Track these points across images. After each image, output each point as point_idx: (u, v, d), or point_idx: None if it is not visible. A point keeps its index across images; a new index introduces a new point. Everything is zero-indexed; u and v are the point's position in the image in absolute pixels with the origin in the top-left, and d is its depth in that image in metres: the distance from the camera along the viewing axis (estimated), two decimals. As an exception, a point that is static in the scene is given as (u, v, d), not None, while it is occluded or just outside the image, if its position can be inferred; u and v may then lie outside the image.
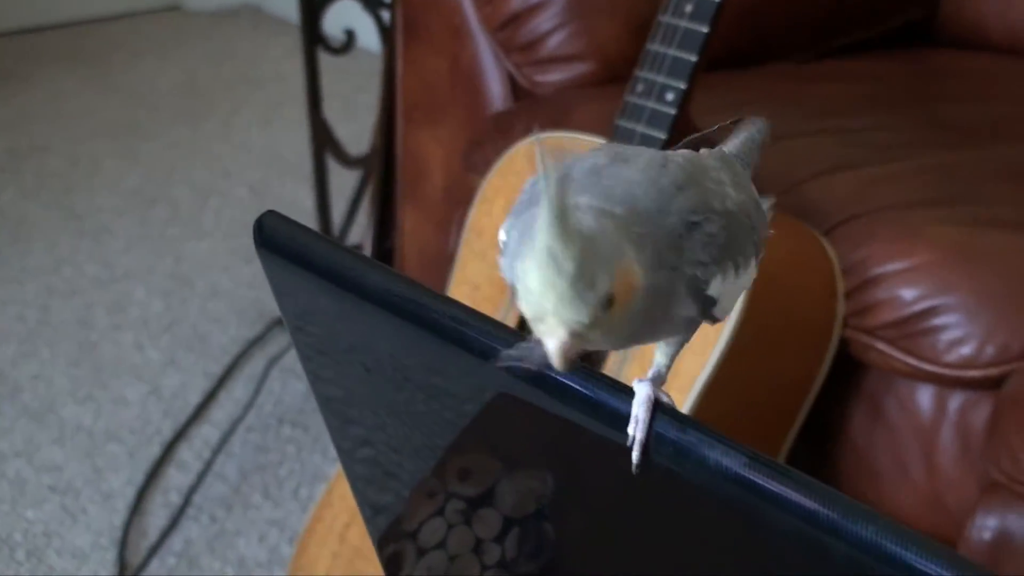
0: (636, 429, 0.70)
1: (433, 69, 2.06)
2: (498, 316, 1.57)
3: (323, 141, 2.46)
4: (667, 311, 0.70)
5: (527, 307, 0.66)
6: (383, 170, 2.23)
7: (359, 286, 0.79)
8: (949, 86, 2.06)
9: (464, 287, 1.65)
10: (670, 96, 1.54)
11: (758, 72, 2.05)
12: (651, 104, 1.55)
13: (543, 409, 0.74)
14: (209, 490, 2.15)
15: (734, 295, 0.74)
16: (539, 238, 0.64)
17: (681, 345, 0.77)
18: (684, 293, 0.70)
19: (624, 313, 0.66)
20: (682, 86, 1.54)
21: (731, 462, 0.66)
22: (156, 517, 2.09)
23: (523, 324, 1.65)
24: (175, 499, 2.13)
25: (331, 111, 2.49)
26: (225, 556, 2.03)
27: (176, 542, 2.05)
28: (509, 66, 2.00)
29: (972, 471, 1.53)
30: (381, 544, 0.95)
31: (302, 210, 2.60)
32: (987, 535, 1.49)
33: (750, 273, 0.76)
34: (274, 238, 0.83)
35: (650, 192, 0.70)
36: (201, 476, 2.17)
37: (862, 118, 1.89)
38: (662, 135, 1.53)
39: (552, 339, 0.65)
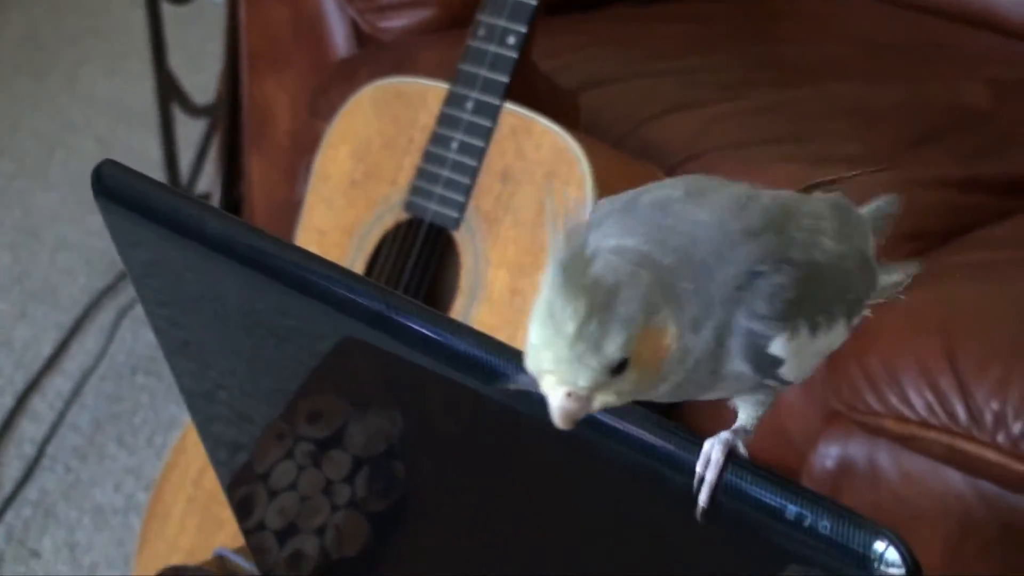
0: (708, 470, 0.62)
1: (276, 17, 2.04)
2: (345, 262, 1.57)
3: (168, 91, 2.43)
4: (716, 370, 0.64)
5: (527, 360, 0.61)
6: (229, 119, 2.21)
7: (200, 234, 0.78)
8: (785, 27, 2.08)
9: (311, 233, 1.64)
10: (511, 40, 1.54)
11: (599, 14, 2.05)
12: (493, 48, 1.54)
13: (392, 353, 0.73)
14: (63, 440, 2.13)
15: (809, 357, 0.67)
16: (543, 289, 0.59)
17: (763, 405, 0.69)
18: (737, 351, 0.64)
19: (651, 375, 0.61)
20: (523, 29, 1.54)
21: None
22: (11, 468, 2.07)
23: (371, 270, 1.65)
24: (29, 450, 2.10)
25: (177, 61, 2.46)
26: (81, 505, 2.01)
27: (31, 492, 2.03)
28: (352, 12, 1.98)
29: (813, 402, 1.55)
30: (231, 488, 0.95)
31: (150, 160, 2.56)
32: (829, 463, 1.51)
33: (835, 334, 0.68)
34: (112, 187, 0.82)
35: (716, 236, 0.64)
36: (55, 427, 2.14)
37: (701, 58, 1.90)
38: (504, 79, 1.53)
39: (552, 397, 0.60)
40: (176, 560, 1.35)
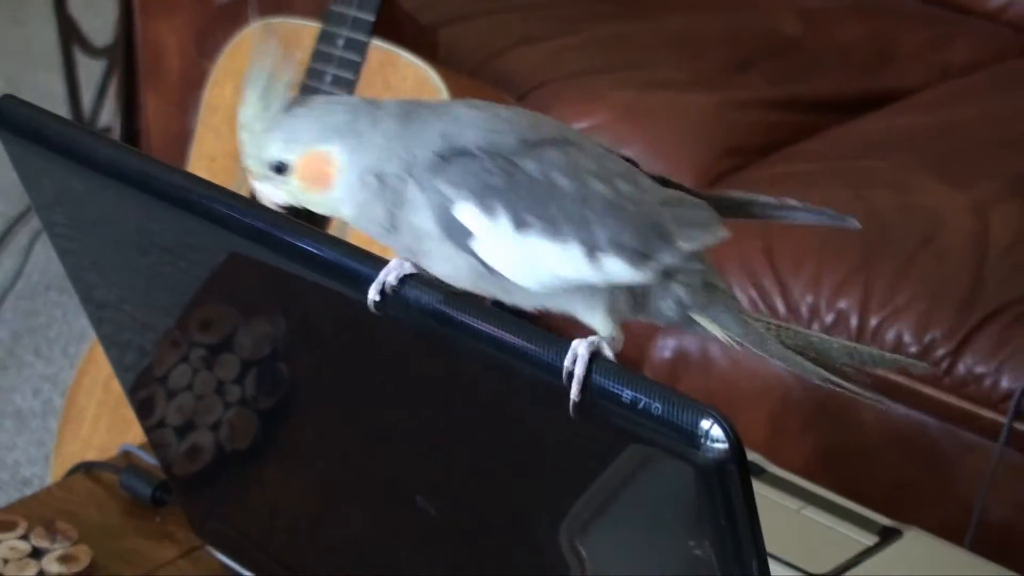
0: (576, 365, 0.60)
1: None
2: (233, 185, 1.55)
3: (69, 34, 2.39)
4: (398, 217, 0.66)
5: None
6: (126, 59, 2.18)
7: (95, 162, 0.77)
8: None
9: (203, 160, 1.62)
10: (376, -19, 1.53)
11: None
12: (359, -11, 1.53)
13: (273, 265, 0.73)
14: (-15, 353, 2.10)
15: (524, 257, 0.66)
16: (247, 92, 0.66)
17: (608, 316, 0.68)
18: (424, 205, 0.65)
19: (316, 191, 0.66)
20: (387, -28, 1.53)
21: (428, 298, 0.65)
22: (-63, 380, 2.04)
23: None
24: (-46, 363, 2.07)
25: (76, 6, 2.42)
26: (3, 411, 1.99)
27: (-43, 401, 2.00)
28: (234, -41, 1.95)
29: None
30: (133, 391, 0.94)
31: (55, 97, 2.51)
32: (667, 354, 1.52)
33: (567, 257, 0.66)
34: (12, 120, 0.80)
35: (463, 127, 0.66)
36: (-23, 340, 2.11)
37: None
38: (371, 17, 1.52)
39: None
40: (89, 457, 1.34)
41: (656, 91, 1.61)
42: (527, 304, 0.69)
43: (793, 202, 0.73)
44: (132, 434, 1.47)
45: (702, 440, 0.56)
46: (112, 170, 0.77)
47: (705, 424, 0.56)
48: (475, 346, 0.64)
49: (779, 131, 1.64)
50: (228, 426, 0.89)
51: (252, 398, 0.85)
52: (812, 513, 0.99)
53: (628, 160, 0.71)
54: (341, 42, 1.53)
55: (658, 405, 0.57)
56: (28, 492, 1.81)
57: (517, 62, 1.68)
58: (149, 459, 1.07)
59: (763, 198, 0.73)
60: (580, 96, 1.60)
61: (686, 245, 0.68)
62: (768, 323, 0.73)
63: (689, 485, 0.58)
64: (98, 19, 2.56)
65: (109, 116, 2.38)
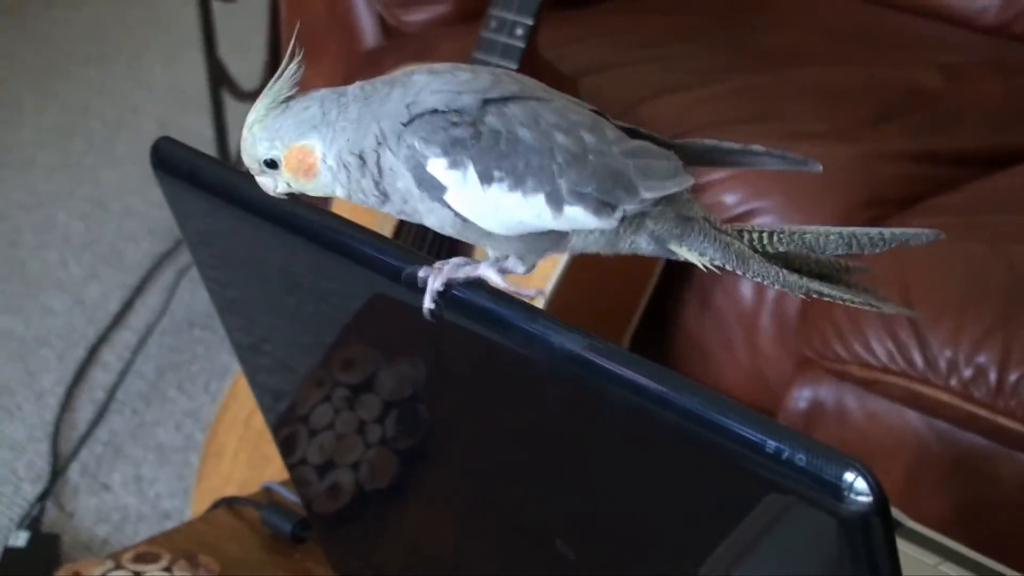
0: (434, 278, 0.71)
1: (312, 11, 2.04)
2: (375, 226, 1.56)
3: (219, 78, 2.42)
4: (384, 184, 0.72)
5: None
6: (273, 102, 2.20)
7: (246, 202, 0.78)
8: (758, 18, 2.06)
9: (346, 203, 1.63)
10: (519, 31, 1.53)
11: (596, 8, 2.04)
12: (503, 39, 1.54)
13: (412, 306, 0.73)
14: (130, 387, 2.13)
15: (491, 207, 0.71)
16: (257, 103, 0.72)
17: (522, 250, 0.73)
18: (401, 164, 0.71)
19: (306, 179, 0.72)
20: (529, 22, 1.53)
21: (573, 345, 0.65)
22: (84, 412, 2.07)
23: (398, 234, 1.64)
24: (100, 395, 2.10)
25: (225, 50, 2.45)
26: (146, 444, 2.01)
27: (103, 433, 2.02)
28: (379, 7, 1.98)
29: (788, 350, 1.55)
30: (276, 428, 0.95)
31: (203, 139, 2.55)
32: (802, 404, 1.51)
33: (531, 205, 0.70)
34: (168, 160, 0.82)
35: (428, 91, 0.71)
36: (122, 375, 2.14)
37: (685, 46, 1.89)
38: (513, 66, 1.53)
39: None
40: (229, 492, 1.35)
41: (795, 142, 1.60)
42: (506, 248, 0.73)
43: (757, 148, 0.76)
44: (271, 470, 1.49)
45: (846, 492, 0.55)
46: (261, 210, 0.78)
47: (849, 476, 0.55)
48: (617, 393, 0.64)
49: (918, 184, 1.62)
50: (368, 465, 0.89)
51: (392, 438, 0.85)
52: (950, 569, 0.97)
53: (597, 113, 0.74)
54: (484, 89, 1.54)
55: (802, 456, 0.56)
56: (168, 525, 1.84)
57: (656, 111, 1.68)
58: (290, 496, 1.08)
59: (727, 144, 0.76)
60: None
61: (648, 194, 0.71)
62: (752, 232, 0.75)
63: (831, 537, 0.57)
64: (246, 63, 2.61)
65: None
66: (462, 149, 0.70)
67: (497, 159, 0.70)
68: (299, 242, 0.78)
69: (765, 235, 0.74)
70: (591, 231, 0.72)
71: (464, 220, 0.71)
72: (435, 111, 0.70)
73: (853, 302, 0.75)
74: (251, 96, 2.42)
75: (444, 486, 0.86)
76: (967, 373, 1.38)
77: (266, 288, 0.88)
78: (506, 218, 0.71)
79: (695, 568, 0.67)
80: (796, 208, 1.54)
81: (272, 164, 0.72)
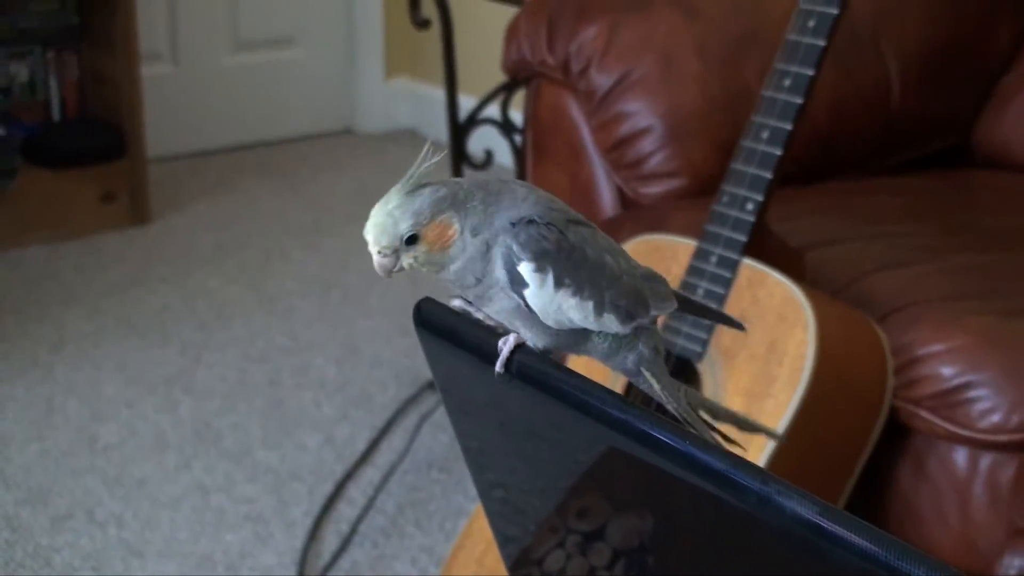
0: (504, 346, 0.80)
1: (556, 182, 2.08)
2: (606, 383, 1.57)
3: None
4: (485, 271, 0.79)
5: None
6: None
7: (495, 358, 0.80)
8: (981, 198, 2.04)
9: (578, 362, 1.65)
10: (750, 206, 1.54)
11: (821, 187, 2.05)
12: (734, 213, 1.55)
13: (648, 462, 0.74)
14: (372, 521, 2.16)
15: (554, 305, 0.80)
16: (393, 191, 0.79)
17: (535, 331, 0.82)
18: (498, 259, 0.79)
19: (437, 254, 0.79)
20: (760, 198, 1.54)
21: (804, 510, 0.65)
22: (329, 543, 2.11)
23: (629, 390, 1.65)
24: (344, 528, 2.14)
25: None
26: (384, 574, 2.03)
27: (345, 563, 2.06)
28: (618, 180, 2.01)
29: (1000, 519, 1.51)
30: (513, 569, 0.96)
31: (450, 293, 2.62)
32: (1013, 572, 1.47)
33: (580, 309, 0.81)
34: (428, 318, 0.85)
35: (524, 201, 0.80)
36: (365, 509, 2.18)
37: (908, 225, 1.88)
38: (743, 238, 1.53)
39: (373, 254, 0.79)
40: (461, 624, 1.36)
41: (1015, 319, 1.57)
42: (543, 338, 0.83)
43: (703, 304, 0.93)
44: (501, 608, 1.49)
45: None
46: (509, 367, 0.80)
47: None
48: (851, 560, 0.63)
49: None
50: (596, 609, 0.89)
51: (620, 584, 0.85)
52: None
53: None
54: (714, 259, 1.55)
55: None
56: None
57: (879, 285, 1.66)
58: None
59: (684, 295, 0.89)
60: (939, 320, 1.57)
61: (655, 311, 0.84)
62: (679, 385, 0.87)
63: None
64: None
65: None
66: (547, 258, 0.79)
67: (568, 270, 0.80)
68: (541, 396, 0.80)
69: (683, 390, 0.87)
70: (606, 338, 0.84)
71: (529, 310, 0.80)
72: (532, 221, 0.79)
73: (733, 443, 0.86)
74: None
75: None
76: None
77: (506, 434, 0.89)
78: (561, 315, 0.81)
79: None
80: (1015, 382, 1.51)
81: (412, 239, 0.78)
